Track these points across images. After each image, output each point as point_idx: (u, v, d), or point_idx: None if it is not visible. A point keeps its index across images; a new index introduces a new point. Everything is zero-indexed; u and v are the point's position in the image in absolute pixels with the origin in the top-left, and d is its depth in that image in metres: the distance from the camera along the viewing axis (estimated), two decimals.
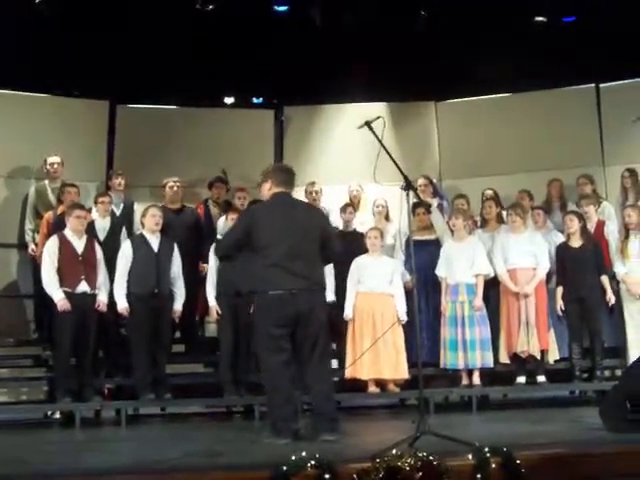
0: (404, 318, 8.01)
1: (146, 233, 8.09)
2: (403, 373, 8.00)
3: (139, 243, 8.06)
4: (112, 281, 8.01)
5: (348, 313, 8.16)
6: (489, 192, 9.40)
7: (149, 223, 8.07)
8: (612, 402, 5.69)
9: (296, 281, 5.77)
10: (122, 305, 7.90)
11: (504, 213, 8.89)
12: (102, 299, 7.96)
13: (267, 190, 6.11)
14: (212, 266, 8.09)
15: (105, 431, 7.91)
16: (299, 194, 9.17)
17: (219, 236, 8.34)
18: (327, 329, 6.12)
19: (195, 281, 8.60)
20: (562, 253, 8.46)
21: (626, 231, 8.43)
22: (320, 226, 6.08)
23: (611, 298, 8.32)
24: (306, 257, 5.85)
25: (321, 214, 6.61)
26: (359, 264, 8.23)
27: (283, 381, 5.81)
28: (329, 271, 8.14)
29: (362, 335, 8.03)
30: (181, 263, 8.19)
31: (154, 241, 8.06)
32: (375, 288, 8.15)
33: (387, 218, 9.24)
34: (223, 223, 8.46)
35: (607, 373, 8.59)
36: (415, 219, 8.38)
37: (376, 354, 7.89)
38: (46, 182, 9.23)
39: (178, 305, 8.15)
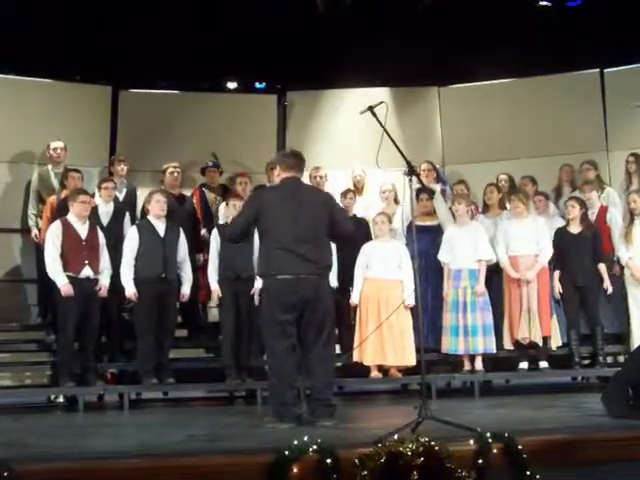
0: (411, 302, 7.74)
1: (152, 219, 8.08)
2: (409, 360, 7.97)
3: (145, 229, 8.05)
4: (115, 266, 8.01)
5: (355, 299, 8.15)
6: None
7: (155, 209, 8.05)
8: (614, 388, 5.69)
9: (304, 265, 5.76)
10: (130, 290, 7.89)
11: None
12: (104, 283, 7.96)
13: (276, 176, 6.10)
14: (213, 250, 8.08)
15: (108, 415, 7.94)
16: (303, 179, 9.16)
17: (221, 221, 8.35)
18: (333, 315, 6.13)
19: (195, 268, 8.57)
20: (560, 238, 8.42)
21: (631, 216, 8.37)
22: (327, 208, 6.05)
23: (608, 287, 8.30)
24: (314, 241, 5.84)
25: (328, 197, 6.53)
26: (367, 250, 8.20)
27: (287, 366, 5.82)
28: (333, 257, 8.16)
29: (367, 322, 8.00)
30: (187, 247, 8.19)
31: (160, 226, 8.05)
32: (383, 273, 8.12)
33: (396, 201, 9.15)
34: (224, 209, 8.44)
35: (610, 359, 8.60)
36: (418, 205, 8.38)
37: (382, 340, 7.91)
38: (49, 167, 9.21)
39: (186, 289, 8.17)
